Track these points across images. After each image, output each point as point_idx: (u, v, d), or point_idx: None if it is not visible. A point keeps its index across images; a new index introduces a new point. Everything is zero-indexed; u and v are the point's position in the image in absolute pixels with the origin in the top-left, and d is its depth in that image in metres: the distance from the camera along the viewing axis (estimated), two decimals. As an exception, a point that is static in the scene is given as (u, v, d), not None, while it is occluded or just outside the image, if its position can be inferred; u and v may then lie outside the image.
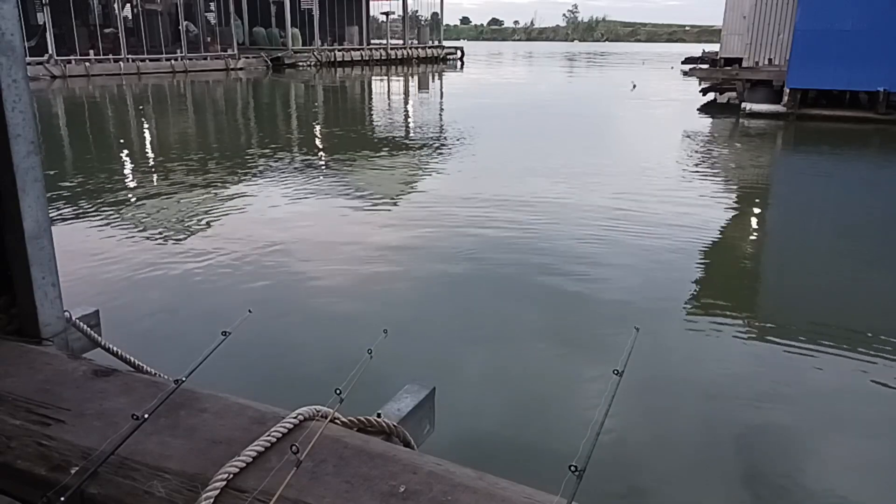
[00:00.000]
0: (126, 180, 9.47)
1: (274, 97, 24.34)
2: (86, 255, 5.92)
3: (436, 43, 49.43)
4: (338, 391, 1.61)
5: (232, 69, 32.81)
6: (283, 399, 1.88)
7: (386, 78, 33.83)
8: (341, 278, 5.51)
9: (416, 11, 50.97)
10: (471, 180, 9.76)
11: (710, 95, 22.07)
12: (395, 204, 8.20)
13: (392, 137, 14.41)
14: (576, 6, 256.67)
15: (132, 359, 2.16)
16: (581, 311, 4.99)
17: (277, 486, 1.36)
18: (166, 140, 13.70)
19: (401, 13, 48.42)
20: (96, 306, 2.39)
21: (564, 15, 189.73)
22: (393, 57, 43.46)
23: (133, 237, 6.51)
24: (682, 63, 38.51)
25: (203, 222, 7.21)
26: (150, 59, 30.11)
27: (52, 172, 9.44)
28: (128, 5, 30.49)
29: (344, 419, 1.70)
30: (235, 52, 34.10)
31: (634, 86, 26.98)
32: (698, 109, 20.03)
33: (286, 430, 1.57)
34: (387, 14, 49.35)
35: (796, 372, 4.13)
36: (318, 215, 7.55)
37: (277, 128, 16.63)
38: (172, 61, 30.82)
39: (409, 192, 9.02)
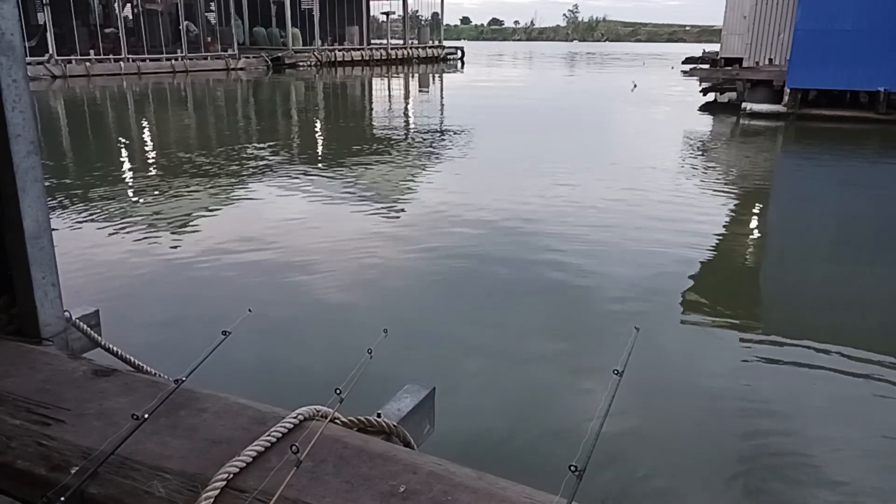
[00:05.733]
0: (126, 180, 9.47)
1: (274, 97, 24.33)
2: (86, 255, 5.91)
3: (436, 43, 49.38)
4: (338, 391, 1.61)
5: (232, 69, 32.81)
6: (283, 399, 1.88)
7: (386, 78, 33.81)
8: (342, 277, 5.51)
9: (417, 11, 51.01)
10: (472, 180, 9.76)
11: (711, 95, 22.04)
12: (395, 203, 8.20)
13: (392, 138, 14.40)
14: (576, 6, 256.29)
15: (132, 359, 2.16)
16: (581, 311, 4.99)
17: (277, 486, 1.35)
18: (167, 139, 13.70)
19: (401, 13, 48.43)
20: (96, 306, 2.39)
21: (564, 15, 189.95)
22: (393, 57, 43.43)
23: (133, 237, 6.51)
24: (683, 63, 38.43)
25: (203, 221, 7.21)
26: (151, 59, 30.11)
27: (51, 172, 9.44)
28: (128, 5, 30.48)
29: (344, 419, 1.70)
30: (236, 51, 34.09)
31: (635, 86, 26.95)
32: (699, 109, 20.02)
33: (286, 430, 1.57)
34: (387, 14, 49.31)
35: (797, 372, 4.13)
36: (318, 214, 7.54)
37: (278, 127, 16.62)
38: (173, 61, 30.82)
39: (410, 192, 9.02)
